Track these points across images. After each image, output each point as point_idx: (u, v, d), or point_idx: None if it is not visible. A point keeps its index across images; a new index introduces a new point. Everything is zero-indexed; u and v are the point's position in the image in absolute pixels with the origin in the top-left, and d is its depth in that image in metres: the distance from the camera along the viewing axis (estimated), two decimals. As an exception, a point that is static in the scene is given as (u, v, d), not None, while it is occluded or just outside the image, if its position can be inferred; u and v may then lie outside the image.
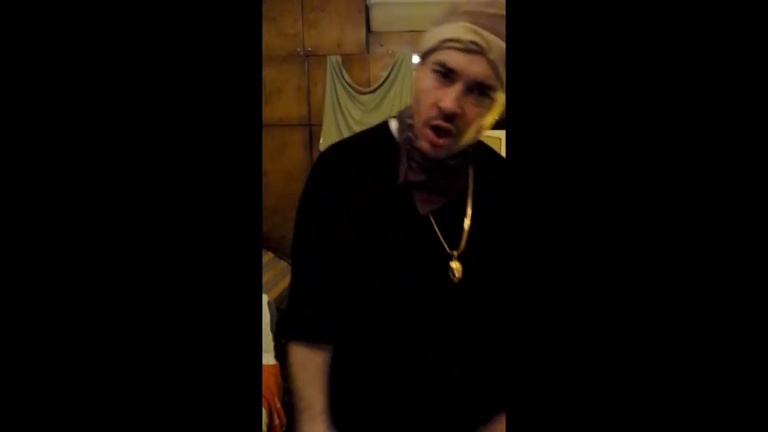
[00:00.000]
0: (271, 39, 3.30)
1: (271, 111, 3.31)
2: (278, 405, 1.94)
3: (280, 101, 3.34)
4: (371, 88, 3.33)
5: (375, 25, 3.40)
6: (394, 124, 0.88)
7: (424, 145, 0.78)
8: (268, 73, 3.28)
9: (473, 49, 0.72)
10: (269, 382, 1.88)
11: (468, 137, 0.78)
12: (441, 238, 0.80)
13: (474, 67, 0.72)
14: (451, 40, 0.73)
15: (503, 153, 2.39)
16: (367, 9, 3.35)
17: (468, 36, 0.71)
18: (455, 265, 0.80)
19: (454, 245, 0.81)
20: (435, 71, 0.75)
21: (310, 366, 0.86)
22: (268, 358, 2.01)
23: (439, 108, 0.74)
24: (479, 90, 0.74)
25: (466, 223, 0.82)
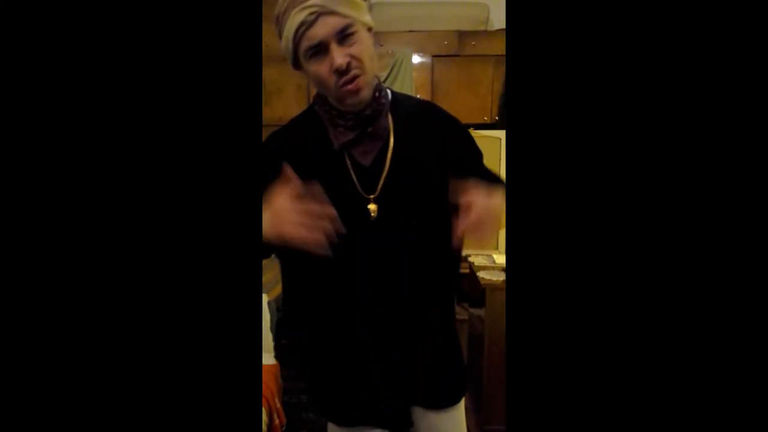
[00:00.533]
0: (271, 39, 3.29)
1: (270, 111, 3.30)
2: (278, 405, 1.94)
3: (280, 101, 3.33)
4: (371, 88, 3.32)
5: (375, 25, 3.40)
6: (317, 106, 1.01)
7: (349, 100, 0.91)
8: (268, 73, 3.27)
9: (317, 17, 0.84)
10: (269, 382, 1.88)
11: (369, 68, 0.91)
12: (357, 186, 0.95)
13: (329, 25, 0.85)
14: (299, 27, 0.85)
15: (503, 154, 2.40)
16: (367, 9, 3.35)
17: (306, 12, 0.84)
18: (371, 206, 0.95)
19: (373, 189, 0.96)
20: (311, 55, 0.87)
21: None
22: (268, 358, 2.01)
23: (336, 70, 0.86)
24: (345, 33, 0.86)
25: (384, 170, 0.96)
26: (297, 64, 0.93)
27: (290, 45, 0.89)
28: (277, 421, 1.90)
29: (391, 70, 3.30)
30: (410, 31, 3.31)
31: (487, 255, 2.33)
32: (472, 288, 2.08)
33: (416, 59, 3.28)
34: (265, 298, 2.06)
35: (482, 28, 3.35)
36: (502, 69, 3.06)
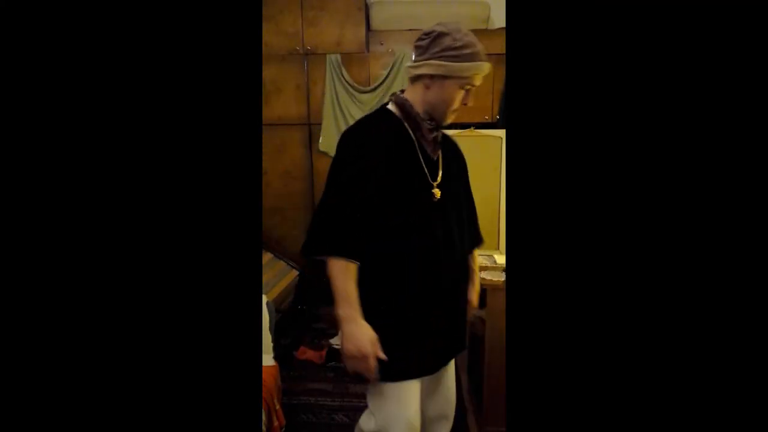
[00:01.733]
0: (270, 38, 3.30)
1: (270, 110, 3.30)
2: (277, 406, 1.94)
3: (279, 100, 3.33)
4: (371, 87, 3.33)
5: (375, 24, 3.39)
6: (392, 107, 1.39)
7: (442, 117, 1.36)
8: (268, 72, 3.27)
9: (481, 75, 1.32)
10: (268, 383, 1.88)
11: None
12: (427, 174, 1.36)
13: (479, 81, 1.33)
14: (475, 71, 1.29)
15: (504, 152, 2.38)
16: (367, 7, 3.35)
17: (486, 69, 1.30)
18: (435, 189, 1.35)
19: (435, 178, 1.38)
20: (466, 89, 1.32)
21: (349, 271, 1.26)
22: (267, 359, 2.00)
23: (465, 104, 1.35)
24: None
25: (440, 165, 1.40)
26: (440, 78, 1.30)
27: (460, 71, 1.27)
28: (276, 422, 1.89)
29: (390, 69, 3.30)
30: (410, 30, 3.31)
31: (488, 255, 2.33)
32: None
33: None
34: (264, 299, 2.05)
35: (483, 26, 3.35)
36: (503, 68, 3.05)
